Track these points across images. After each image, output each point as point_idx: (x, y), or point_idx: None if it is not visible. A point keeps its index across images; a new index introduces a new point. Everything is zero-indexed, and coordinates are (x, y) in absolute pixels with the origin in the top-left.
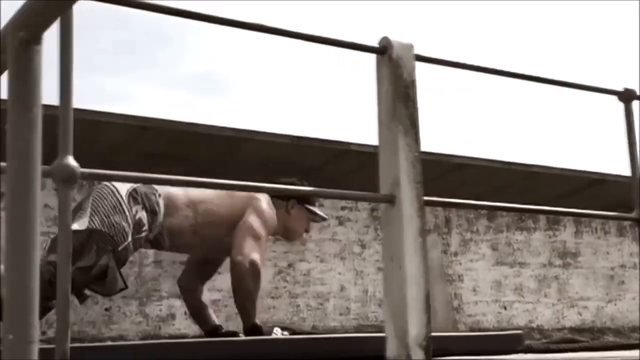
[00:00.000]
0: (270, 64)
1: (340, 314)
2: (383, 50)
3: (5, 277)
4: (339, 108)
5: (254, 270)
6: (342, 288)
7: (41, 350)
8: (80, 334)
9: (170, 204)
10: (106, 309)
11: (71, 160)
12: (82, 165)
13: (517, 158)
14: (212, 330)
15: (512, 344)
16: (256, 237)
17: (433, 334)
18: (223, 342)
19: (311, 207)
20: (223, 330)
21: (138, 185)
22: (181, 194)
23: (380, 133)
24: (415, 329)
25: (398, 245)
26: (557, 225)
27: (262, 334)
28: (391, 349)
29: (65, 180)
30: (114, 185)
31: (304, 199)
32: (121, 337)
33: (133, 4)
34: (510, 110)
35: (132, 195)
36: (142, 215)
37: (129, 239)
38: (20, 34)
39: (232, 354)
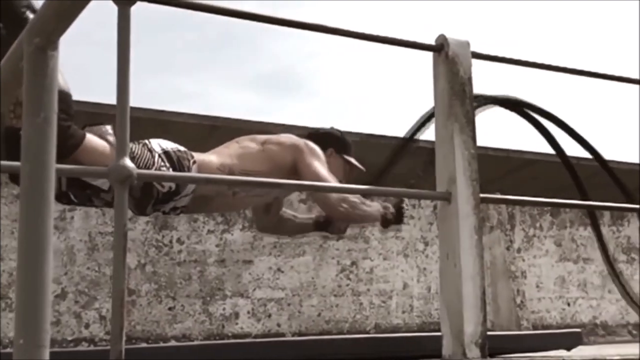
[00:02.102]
0: (340, 63)
1: (403, 312)
2: (440, 48)
3: (17, 279)
4: (408, 105)
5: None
6: (405, 286)
7: (98, 352)
8: (144, 333)
9: (204, 171)
10: (170, 308)
11: (127, 162)
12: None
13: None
14: (316, 221)
15: (570, 341)
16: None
17: (492, 332)
18: (286, 342)
19: (348, 157)
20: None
21: (174, 147)
22: (215, 160)
23: (437, 130)
24: (471, 326)
25: (454, 242)
26: (622, 220)
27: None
28: (447, 347)
29: (122, 181)
30: (150, 144)
31: (342, 149)
32: (185, 336)
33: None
34: (584, 105)
35: (165, 155)
36: (166, 170)
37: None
38: (35, 40)
39: (296, 353)
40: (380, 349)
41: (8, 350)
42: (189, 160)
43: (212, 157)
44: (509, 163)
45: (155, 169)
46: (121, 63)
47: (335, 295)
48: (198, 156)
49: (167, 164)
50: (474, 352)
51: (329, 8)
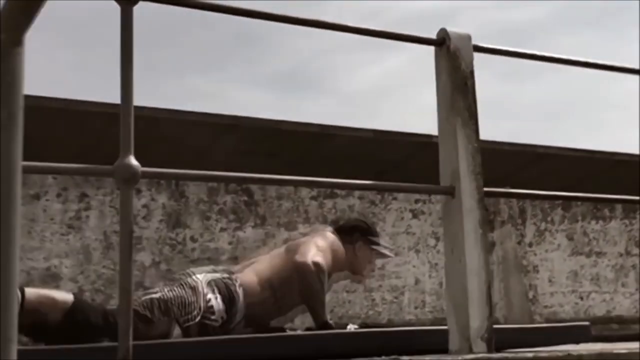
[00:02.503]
0: (355, 60)
1: (416, 307)
2: (441, 42)
3: None
4: (421, 101)
5: (318, 269)
6: (417, 281)
7: (104, 349)
8: None
9: (249, 292)
10: None
11: (132, 160)
12: (170, 164)
13: (602, 147)
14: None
15: (579, 335)
16: (319, 249)
17: (499, 326)
18: (301, 337)
19: (375, 246)
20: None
21: (218, 275)
22: (255, 278)
23: (440, 125)
24: (476, 321)
25: (458, 237)
26: (634, 213)
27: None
28: (453, 342)
29: (127, 179)
30: (195, 275)
31: (368, 235)
32: None
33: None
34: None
35: (210, 283)
36: (215, 302)
37: (197, 319)
38: (1, 36)
39: (313, 348)
40: (387, 343)
41: None
42: (233, 284)
43: (252, 277)
44: (523, 157)
45: (205, 306)
46: (124, 62)
47: (347, 292)
48: (241, 278)
49: (217, 295)
50: (480, 346)
51: (333, 7)
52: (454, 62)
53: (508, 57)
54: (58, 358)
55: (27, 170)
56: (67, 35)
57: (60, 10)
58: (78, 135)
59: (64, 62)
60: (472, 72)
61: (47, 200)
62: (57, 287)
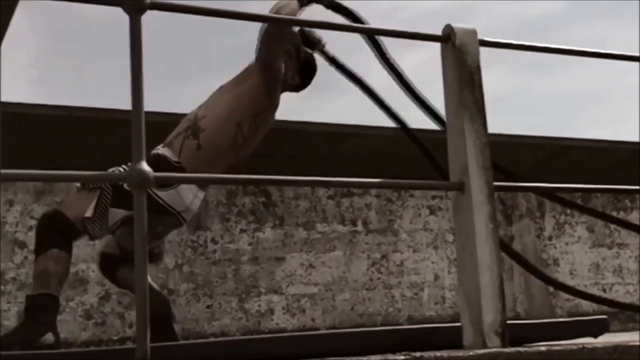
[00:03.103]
0: (370, 59)
1: (436, 303)
2: (447, 37)
3: None
4: (441, 97)
5: None
6: (436, 277)
7: (122, 350)
8: (184, 332)
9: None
10: (207, 306)
11: (144, 166)
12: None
13: (626, 137)
14: None
15: (596, 328)
16: None
17: (513, 321)
18: (319, 336)
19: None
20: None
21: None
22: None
23: (448, 120)
24: (490, 316)
25: (469, 232)
26: None
27: None
28: (467, 337)
29: (140, 184)
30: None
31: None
32: (223, 333)
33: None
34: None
35: None
36: None
37: None
38: None
39: (331, 347)
40: (401, 340)
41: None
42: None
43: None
44: (546, 150)
45: None
46: (135, 70)
47: (367, 289)
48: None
49: None
50: (494, 341)
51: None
52: (460, 57)
53: (522, 52)
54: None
55: (45, 179)
56: (94, 45)
57: (86, 20)
58: (106, 141)
59: (91, 71)
60: (478, 67)
61: None
62: (84, 290)
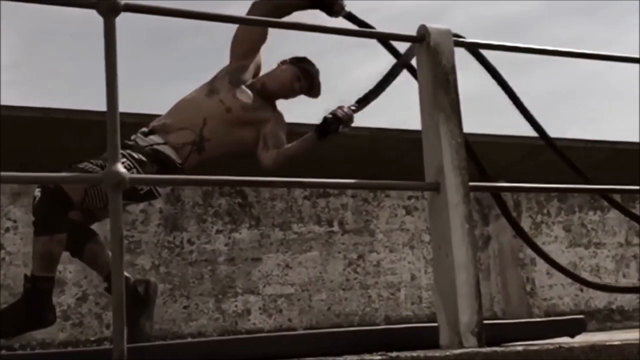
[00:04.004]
0: (350, 60)
1: (412, 303)
2: (421, 38)
3: None
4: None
5: None
6: (413, 277)
7: (100, 351)
8: (162, 332)
9: None
10: (184, 307)
11: (120, 167)
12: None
13: (602, 136)
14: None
15: (573, 328)
16: None
17: (490, 321)
18: (296, 336)
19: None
20: None
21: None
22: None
23: (423, 120)
24: (466, 316)
25: (445, 232)
26: (633, 202)
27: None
28: (444, 337)
29: (115, 186)
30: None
31: (300, 62)
32: (200, 334)
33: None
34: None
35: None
36: None
37: None
38: None
39: (307, 347)
40: (378, 340)
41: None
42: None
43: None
44: (521, 149)
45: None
46: (109, 72)
47: (343, 289)
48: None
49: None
50: (470, 341)
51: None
52: (434, 57)
53: (495, 51)
54: None
55: (19, 181)
56: (70, 46)
57: (61, 22)
58: (82, 143)
59: (68, 74)
60: (453, 67)
61: None
62: (62, 291)
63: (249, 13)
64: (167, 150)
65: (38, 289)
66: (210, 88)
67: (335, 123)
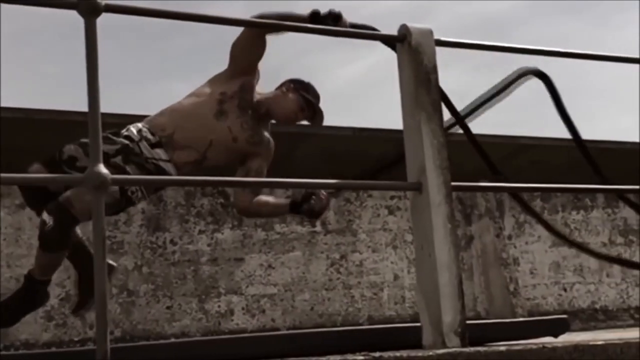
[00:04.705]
0: (334, 59)
1: (395, 303)
2: (402, 38)
3: None
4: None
5: None
6: (396, 277)
7: (83, 352)
8: (145, 332)
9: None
10: (168, 307)
11: (102, 168)
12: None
13: (586, 135)
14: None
15: (556, 328)
16: None
17: (473, 321)
18: (279, 336)
19: (308, 96)
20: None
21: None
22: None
23: (405, 120)
24: (449, 316)
25: (427, 232)
26: (617, 202)
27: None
28: (427, 337)
29: (97, 187)
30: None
31: (303, 89)
32: (183, 334)
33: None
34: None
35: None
36: None
37: None
38: None
39: (291, 347)
40: (361, 340)
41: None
42: None
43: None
44: (505, 149)
45: None
46: (90, 72)
47: (326, 289)
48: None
49: None
50: (453, 341)
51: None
52: (416, 57)
53: (477, 51)
54: None
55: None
56: (50, 48)
57: (42, 22)
58: (64, 144)
59: (49, 75)
60: (435, 67)
61: None
62: None
63: None
64: (169, 168)
65: (38, 289)
66: (220, 109)
67: (310, 210)
